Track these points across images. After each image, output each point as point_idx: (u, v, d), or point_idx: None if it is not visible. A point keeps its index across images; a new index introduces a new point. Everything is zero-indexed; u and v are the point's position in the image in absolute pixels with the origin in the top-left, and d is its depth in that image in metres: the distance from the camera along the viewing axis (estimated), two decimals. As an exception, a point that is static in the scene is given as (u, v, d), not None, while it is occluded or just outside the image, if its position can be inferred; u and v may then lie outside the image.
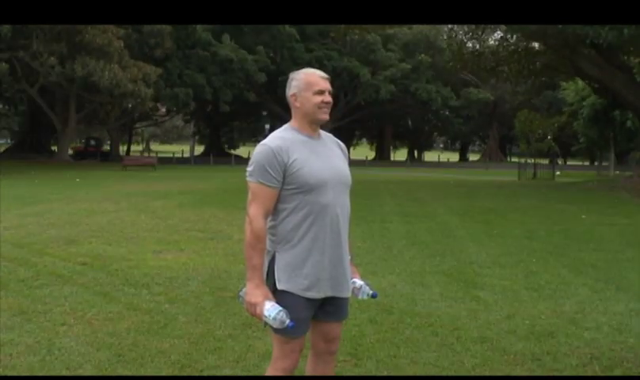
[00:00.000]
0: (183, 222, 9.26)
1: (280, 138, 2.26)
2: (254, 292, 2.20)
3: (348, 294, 2.39)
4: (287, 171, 2.20)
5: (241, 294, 2.26)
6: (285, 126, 2.36)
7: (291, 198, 2.24)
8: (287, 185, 2.22)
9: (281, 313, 2.15)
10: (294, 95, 2.29)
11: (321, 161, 2.28)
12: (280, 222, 2.27)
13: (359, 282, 2.51)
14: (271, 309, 2.16)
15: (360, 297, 2.50)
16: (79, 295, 4.78)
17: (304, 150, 2.25)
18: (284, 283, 2.23)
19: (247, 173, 2.24)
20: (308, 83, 2.27)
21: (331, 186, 2.27)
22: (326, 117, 2.31)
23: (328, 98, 2.29)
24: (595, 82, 21.91)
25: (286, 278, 2.24)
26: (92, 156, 39.75)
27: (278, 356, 2.29)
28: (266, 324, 2.20)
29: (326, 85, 2.30)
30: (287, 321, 2.15)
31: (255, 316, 2.21)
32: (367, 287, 2.50)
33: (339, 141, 2.48)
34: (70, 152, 39.95)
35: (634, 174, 24.00)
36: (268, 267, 2.28)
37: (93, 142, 43.80)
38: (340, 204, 2.31)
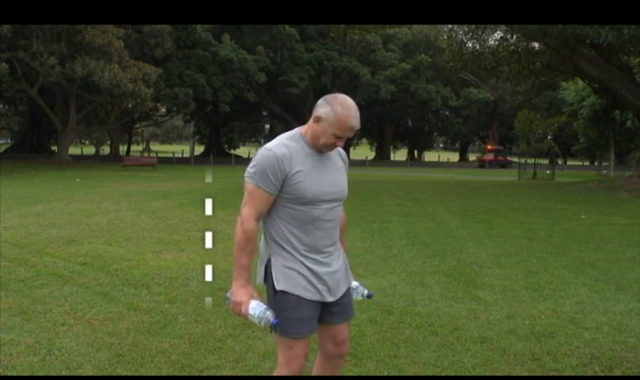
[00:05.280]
0: (183, 222, 9.26)
1: (286, 145, 2.23)
2: (239, 291, 2.20)
3: (344, 291, 2.39)
4: (288, 181, 2.19)
5: (227, 295, 2.27)
6: (295, 132, 2.31)
7: (286, 206, 2.23)
8: (285, 194, 2.21)
9: (266, 312, 2.15)
10: (320, 118, 2.21)
11: (322, 177, 2.26)
12: (272, 227, 2.27)
13: (354, 282, 2.51)
14: (256, 308, 2.16)
15: (355, 297, 2.50)
16: (79, 295, 4.78)
17: (307, 162, 2.23)
18: (283, 284, 2.23)
19: (247, 174, 2.23)
20: (338, 124, 2.19)
21: (326, 201, 2.27)
22: (328, 152, 2.30)
23: (340, 144, 2.26)
24: (595, 82, 21.92)
25: (284, 279, 2.24)
26: (501, 165, 38.05)
27: (283, 363, 2.27)
28: (264, 326, 2.19)
29: (350, 135, 2.24)
30: (272, 320, 2.15)
31: (240, 315, 2.21)
32: (362, 288, 2.51)
33: (341, 150, 2.44)
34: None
35: (634, 174, 24.03)
36: (266, 270, 2.29)
37: (501, 149, 40.70)
38: (333, 217, 2.31)
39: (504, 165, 41.38)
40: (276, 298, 2.23)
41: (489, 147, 43.55)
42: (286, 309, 2.20)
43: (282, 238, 2.25)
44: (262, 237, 2.32)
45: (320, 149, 2.26)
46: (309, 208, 2.23)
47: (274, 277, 2.25)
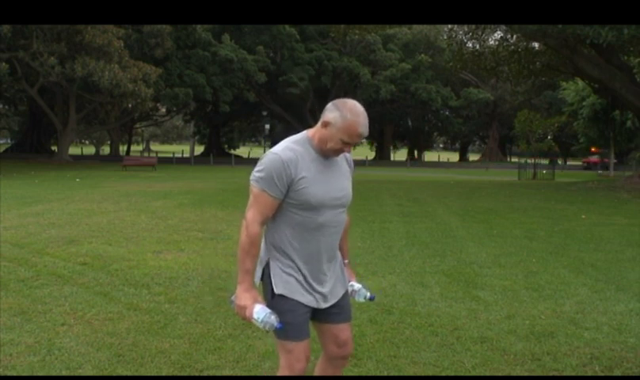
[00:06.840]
0: (183, 222, 9.26)
1: (292, 150, 2.20)
2: (244, 295, 2.19)
3: (340, 296, 2.39)
4: (293, 186, 2.17)
5: (232, 298, 2.26)
6: (302, 135, 2.29)
7: (290, 211, 2.22)
8: (290, 199, 2.20)
9: (270, 316, 2.15)
10: (328, 123, 2.19)
11: (327, 183, 2.24)
12: (275, 232, 2.26)
13: (357, 285, 2.50)
14: (260, 312, 2.16)
15: (357, 299, 2.49)
16: (79, 295, 4.78)
17: (313, 168, 2.21)
18: (281, 288, 2.23)
19: (253, 177, 2.20)
20: (346, 129, 2.16)
21: (331, 207, 2.26)
22: (334, 156, 2.28)
23: (347, 149, 2.25)
24: (595, 82, 21.92)
25: (282, 283, 2.24)
26: (605, 167, 37.81)
27: (284, 366, 2.27)
28: (268, 330, 2.19)
29: (358, 141, 2.23)
30: (276, 324, 2.15)
31: (245, 319, 2.21)
32: (365, 290, 2.50)
33: (347, 154, 2.39)
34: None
35: (634, 174, 24.04)
36: (263, 273, 2.28)
37: (606, 152, 38.86)
38: (337, 223, 2.31)
39: (608, 166, 41.75)
40: (273, 302, 2.23)
41: (593, 150, 43.91)
42: (284, 313, 2.19)
43: (283, 244, 2.25)
44: (263, 239, 2.31)
45: (327, 153, 2.24)
46: (313, 215, 2.21)
47: (273, 281, 2.24)
